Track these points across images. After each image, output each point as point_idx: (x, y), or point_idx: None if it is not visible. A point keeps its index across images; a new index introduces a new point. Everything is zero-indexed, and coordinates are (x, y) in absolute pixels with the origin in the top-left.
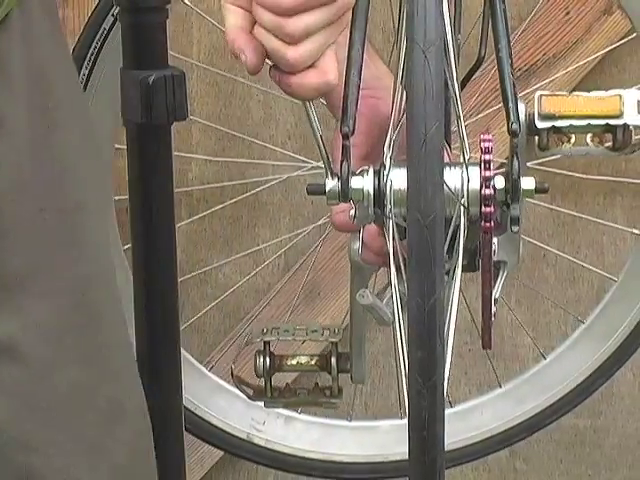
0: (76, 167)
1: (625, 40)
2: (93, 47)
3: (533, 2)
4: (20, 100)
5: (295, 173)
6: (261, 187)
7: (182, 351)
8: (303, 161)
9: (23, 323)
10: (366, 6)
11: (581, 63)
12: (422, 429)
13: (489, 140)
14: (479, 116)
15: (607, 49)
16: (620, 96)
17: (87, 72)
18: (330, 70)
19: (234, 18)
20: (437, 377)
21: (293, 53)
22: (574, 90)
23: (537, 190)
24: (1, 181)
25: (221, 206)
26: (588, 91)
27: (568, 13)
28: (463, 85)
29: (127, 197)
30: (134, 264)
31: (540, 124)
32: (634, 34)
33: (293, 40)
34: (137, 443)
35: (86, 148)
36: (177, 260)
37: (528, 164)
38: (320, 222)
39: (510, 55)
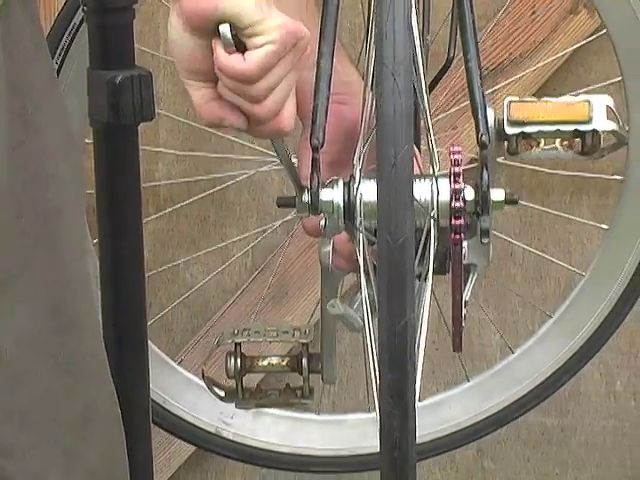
0: (55, 171)
1: (591, 38)
2: (63, 42)
3: (500, 1)
4: None
5: (264, 168)
6: (229, 182)
7: (151, 346)
8: (272, 156)
9: (1, 326)
10: (335, 16)
11: (548, 62)
12: (393, 450)
13: (458, 152)
14: (449, 112)
15: (574, 47)
16: (589, 102)
17: (57, 67)
18: (286, 118)
19: (199, 93)
20: (408, 398)
21: (260, 109)
22: (541, 89)
23: (507, 201)
24: None
25: (188, 201)
26: (554, 91)
27: (534, 12)
28: (432, 87)
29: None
30: (101, 263)
31: (509, 130)
32: (601, 32)
33: (259, 100)
34: (110, 447)
35: (66, 152)
36: (144, 259)
37: (498, 159)
38: (287, 218)
39: (479, 65)
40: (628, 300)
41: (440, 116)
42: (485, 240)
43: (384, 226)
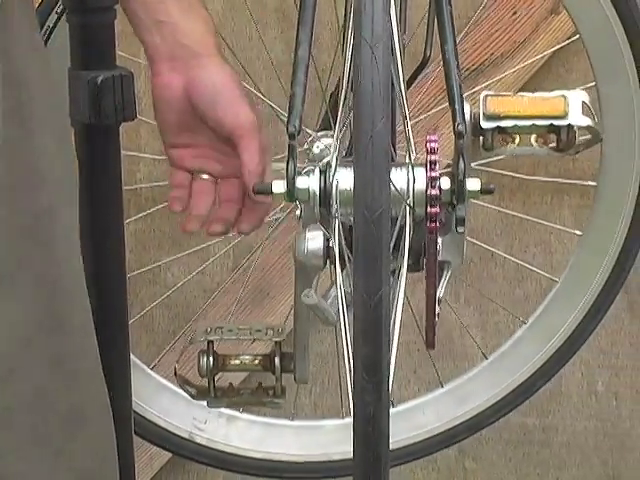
0: (50, 169)
1: (571, 40)
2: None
3: (480, 1)
4: None
5: None
6: None
7: None
8: None
9: None
10: (313, 3)
11: (528, 62)
12: (367, 424)
13: (435, 140)
14: (427, 114)
15: (554, 48)
16: (565, 97)
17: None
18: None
19: None
20: (382, 373)
21: None
22: (521, 89)
23: (482, 191)
24: None
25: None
26: (534, 91)
27: (515, 13)
28: (409, 85)
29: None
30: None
31: (485, 124)
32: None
33: None
34: (100, 447)
35: (61, 150)
36: (126, 260)
37: (474, 165)
38: (265, 220)
39: (456, 56)
40: (602, 306)
41: (416, 119)
42: (461, 229)
43: (360, 200)
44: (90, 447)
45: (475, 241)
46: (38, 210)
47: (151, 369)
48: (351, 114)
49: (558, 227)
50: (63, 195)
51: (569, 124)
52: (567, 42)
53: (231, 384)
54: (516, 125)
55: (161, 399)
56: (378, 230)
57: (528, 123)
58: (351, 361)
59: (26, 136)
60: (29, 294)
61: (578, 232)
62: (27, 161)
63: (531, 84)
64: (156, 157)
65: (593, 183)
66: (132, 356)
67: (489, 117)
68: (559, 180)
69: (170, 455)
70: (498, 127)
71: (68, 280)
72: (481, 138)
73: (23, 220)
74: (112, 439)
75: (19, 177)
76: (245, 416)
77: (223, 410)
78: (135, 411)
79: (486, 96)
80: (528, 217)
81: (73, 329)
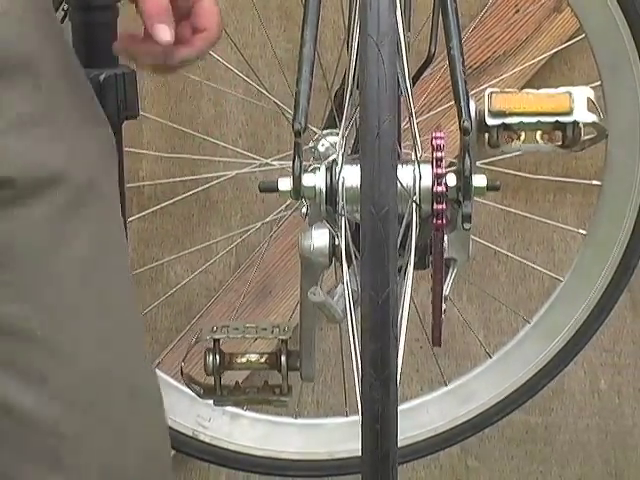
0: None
1: (575, 40)
2: None
3: (483, 0)
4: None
5: (244, 170)
6: (211, 183)
7: None
8: (254, 158)
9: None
10: (318, 3)
11: (533, 62)
12: (375, 422)
13: (441, 137)
14: (430, 114)
15: (559, 48)
16: (570, 93)
17: None
18: None
19: None
20: (390, 369)
21: None
22: (524, 87)
23: (489, 187)
24: None
25: (171, 201)
26: (538, 89)
27: (518, 11)
28: (413, 82)
29: None
30: None
31: (490, 121)
32: (583, 34)
33: None
34: (158, 424)
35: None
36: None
37: (478, 163)
38: (269, 219)
39: (462, 53)
40: (606, 305)
41: (420, 118)
42: (467, 226)
43: (367, 198)
44: (149, 426)
45: (478, 239)
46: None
47: (154, 366)
48: (357, 111)
49: (561, 226)
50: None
51: (574, 120)
52: (572, 42)
53: (237, 382)
54: (521, 122)
55: (165, 397)
56: (385, 227)
57: (533, 120)
58: (358, 358)
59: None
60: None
61: (581, 231)
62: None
63: (534, 82)
64: (159, 154)
65: (597, 182)
66: None
67: (494, 114)
68: (562, 179)
69: (173, 453)
70: (503, 124)
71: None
72: (486, 135)
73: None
74: (164, 417)
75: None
76: (249, 414)
77: (227, 408)
78: None
79: (491, 93)
80: (531, 215)
81: (124, 309)
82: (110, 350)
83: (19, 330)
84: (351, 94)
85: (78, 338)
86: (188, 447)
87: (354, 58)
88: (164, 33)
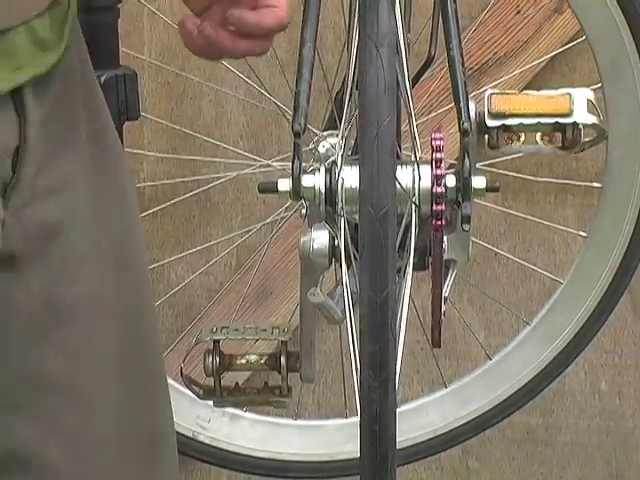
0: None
1: (576, 42)
2: None
3: (484, 1)
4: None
5: (245, 171)
6: (212, 184)
7: None
8: (254, 160)
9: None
10: (317, 4)
11: (533, 63)
12: (373, 422)
13: (440, 138)
14: (430, 116)
15: (559, 50)
16: (570, 95)
17: None
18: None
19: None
20: (389, 371)
21: None
22: (525, 89)
23: (488, 189)
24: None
25: (172, 202)
26: (538, 90)
27: (519, 12)
28: (413, 84)
29: None
30: None
31: (490, 122)
32: (584, 36)
33: None
34: (175, 474)
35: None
36: None
37: (478, 165)
38: (269, 220)
39: (461, 54)
40: (606, 307)
41: (420, 120)
42: (467, 227)
43: (366, 198)
44: (167, 475)
45: (478, 241)
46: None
47: None
48: (356, 112)
49: (562, 228)
50: (137, 222)
51: (574, 122)
52: (573, 43)
53: (237, 383)
54: (521, 123)
55: None
56: (384, 228)
57: (533, 121)
58: (357, 359)
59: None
60: (106, 322)
61: (582, 233)
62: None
63: (535, 83)
64: (160, 155)
65: (597, 184)
66: None
67: (494, 115)
68: (563, 181)
69: None
70: (503, 125)
71: (144, 304)
72: (486, 136)
73: (107, 247)
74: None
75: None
76: (249, 415)
77: (227, 409)
78: None
79: (491, 94)
80: (531, 217)
81: (150, 351)
82: (136, 397)
83: (62, 388)
84: (351, 95)
85: (106, 389)
86: (188, 448)
87: (354, 59)
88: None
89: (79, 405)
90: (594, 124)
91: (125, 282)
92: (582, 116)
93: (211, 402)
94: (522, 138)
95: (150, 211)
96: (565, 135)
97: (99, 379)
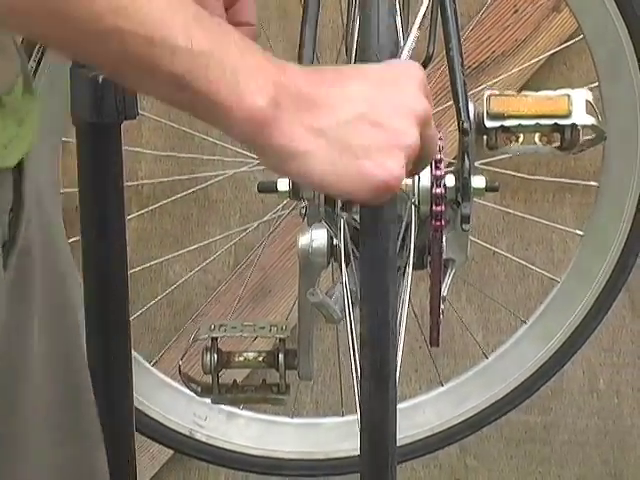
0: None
1: (574, 41)
2: None
3: (482, 0)
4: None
5: (243, 169)
6: (210, 182)
7: None
8: (252, 158)
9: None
10: (317, 3)
11: (532, 62)
12: (374, 430)
13: (440, 138)
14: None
15: (557, 49)
16: (568, 96)
17: (35, 65)
18: None
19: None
20: (389, 373)
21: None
22: (523, 88)
23: (487, 189)
24: None
25: (171, 199)
26: (536, 89)
27: (517, 11)
28: None
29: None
30: (84, 261)
31: (489, 123)
32: (582, 35)
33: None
34: None
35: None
36: (128, 258)
37: (477, 164)
38: (267, 217)
39: (461, 54)
40: (603, 306)
41: None
42: (466, 227)
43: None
44: None
45: (477, 240)
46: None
47: (152, 365)
48: None
49: (560, 227)
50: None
51: (573, 123)
52: (571, 42)
53: (235, 381)
54: (520, 124)
55: (162, 395)
56: (385, 234)
57: (532, 122)
58: (357, 360)
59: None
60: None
61: (578, 232)
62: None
63: (533, 82)
64: (158, 154)
65: (594, 183)
66: (134, 353)
67: (493, 116)
68: (560, 180)
69: (171, 453)
70: (502, 126)
71: (78, 340)
72: (485, 137)
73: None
74: None
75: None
76: (245, 413)
77: (223, 407)
78: (136, 407)
79: (490, 95)
80: (529, 216)
81: (85, 393)
82: (75, 441)
83: None
84: None
85: (41, 437)
86: (185, 446)
87: (352, 60)
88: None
89: (14, 453)
90: (593, 125)
91: (57, 329)
92: (581, 117)
93: (209, 400)
94: (521, 139)
95: (148, 209)
96: (564, 136)
97: (34, 427)
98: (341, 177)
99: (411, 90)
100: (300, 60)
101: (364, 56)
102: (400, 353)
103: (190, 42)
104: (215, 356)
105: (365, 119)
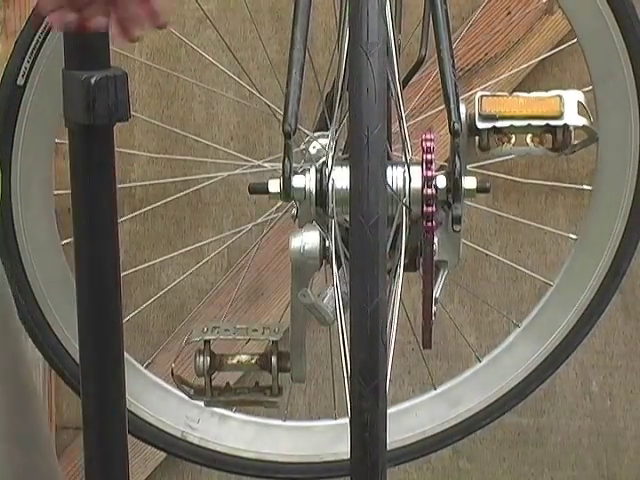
0: None
1: (567, 45)
2: (35, 42)
3: (475, 2)
4: None
5: (236, 171)
6: (202, 184)
7: None
8: (245, 160)
9: None
10: (308, 3)
11: (525, 65)
12: (364, 431)
13: (431, 139)
14: (421, 117)
15: (550, 53)
16: (560, 97)
17: (28, 67)
18: None
19: None
20: (379, 379)
21: None
22: (515, 90)
23: (479, 189)
24: None
25: (163, 201)
26: (529, 91)
27: (509, 13)
28: (404, 84)
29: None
30: (76, 263)
31: (481, 124)
32: (575, 39)
33: None
34: None
35: None
36: (120, 260)
37: (468, 167)
38: (259, 220)
39: (452, 55)
40: (596, 309)
41: (411, 122)
42: (457, 228)
43: (357, 207)
44: None
45: (469, 242)
46: None
47: (145, 368)
48: (347, 114)
49: (553, 231)
50: None
51: (565, 124)
52: (565, 46)
53: (228, 383)
54: (512, 125)
55: (154, 398)
56: (374, 236)
57: (524, 123)
58: (347, 361)
59: None
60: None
61: (572, 235)
62: None
63: (526, 84)
64: (150, 156)
65: (587, 187)
66: (126, 354)
67: (485, 117)
68: (553, 183)
69: (165, 455)
70: (494, 127)
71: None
72: (477, 138)
73: None
74: None
75: None
76: (238, 416)
77: (216, 409)
78: (128, 409)
79: (482, 96)
80: (521, 219)
81: (36, 402)
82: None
83: None
84: (341, 97)
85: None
86: (176, 448)
87: (344, 62)
88: None
89: None
90: (584, 126)
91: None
92: (572, 118)
93: (202, 402)
94: (513, 140)
95: (141, 211)
96: (555, 137)
97: None
98: None
99: None
100: (291, 61)
101: (354, 53)
102: (391, 355)
103: None
104: (208, 359)
105: None
